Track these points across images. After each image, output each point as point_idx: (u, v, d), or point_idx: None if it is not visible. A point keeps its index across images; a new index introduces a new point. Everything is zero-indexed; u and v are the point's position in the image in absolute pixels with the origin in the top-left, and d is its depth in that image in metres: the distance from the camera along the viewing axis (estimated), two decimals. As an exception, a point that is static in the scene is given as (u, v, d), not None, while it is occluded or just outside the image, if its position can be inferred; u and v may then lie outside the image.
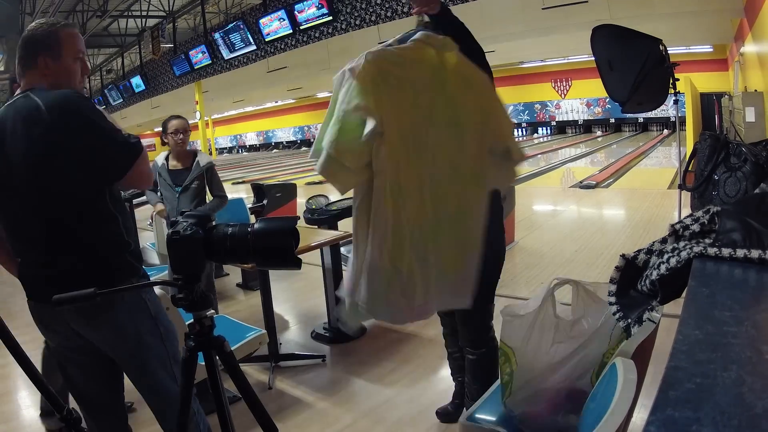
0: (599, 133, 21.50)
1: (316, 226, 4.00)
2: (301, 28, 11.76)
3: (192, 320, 1.29)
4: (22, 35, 1.58)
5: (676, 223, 1.07)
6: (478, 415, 1.72)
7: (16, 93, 1.57)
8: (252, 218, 5.06)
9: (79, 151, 1.45)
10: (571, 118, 22.20)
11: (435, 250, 1.39)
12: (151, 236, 5.48)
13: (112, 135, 1.50)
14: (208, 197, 3.59)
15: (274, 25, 12.26)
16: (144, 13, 17.20)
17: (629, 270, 1.12)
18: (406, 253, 1.35)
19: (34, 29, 1.56)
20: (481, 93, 1.44)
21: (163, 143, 3.56)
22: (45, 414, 2.53)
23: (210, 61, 14.87)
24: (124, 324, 1.56)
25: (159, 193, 3.58)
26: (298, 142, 31.38)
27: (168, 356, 1.65)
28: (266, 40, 12.65)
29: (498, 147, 1.44)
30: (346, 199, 4.47)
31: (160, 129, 3.57)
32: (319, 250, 3.31)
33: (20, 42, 1.57)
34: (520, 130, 23.72)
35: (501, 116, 1.49)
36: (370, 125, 1.24)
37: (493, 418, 1.70)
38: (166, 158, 3.55)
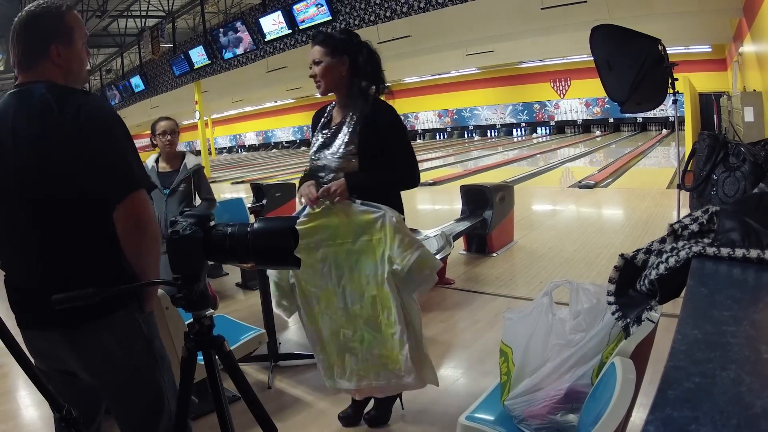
0: (598, 133, 21.50)
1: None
2: (301, 27, 11.76)
3: (191, 320, 1.29)
4: (21, 19, 1.39)
5: (675, 223, 1.07)
6: (476, 415, 1.72)
7: (18, 83, 1.41)
8: (251, 218, 5.06)
9: (87, 167, 1.33)
10: (570, 118, 22.20)
11: (361, 347, 2.07)
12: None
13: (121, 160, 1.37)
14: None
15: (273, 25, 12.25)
16: (143, 13, 17.19)
17: (628, 269, 1.12)
18: (333, 352, 2.12)
19: (38, 13, 1.39)
20: (376, 233, 1.97)
21: (153, 145, 3.51)
22: None
23: (209, 61, 14.86)
24: (113, 348, 1.40)
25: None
26: (298, 142, 31.36)
27: (165, 387, 1.49)
28: (266, 40, 12.65)
29: (402, 269, 1.94)
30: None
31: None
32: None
33: (21, 28, 1.39)
34: (518, 129, 23.75)
35: (399, 243, 1.94)
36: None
37: (491, 418, 1.70)
38: (156, 160, 3.52)
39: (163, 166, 3.47)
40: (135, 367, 1.44)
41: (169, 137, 3.41)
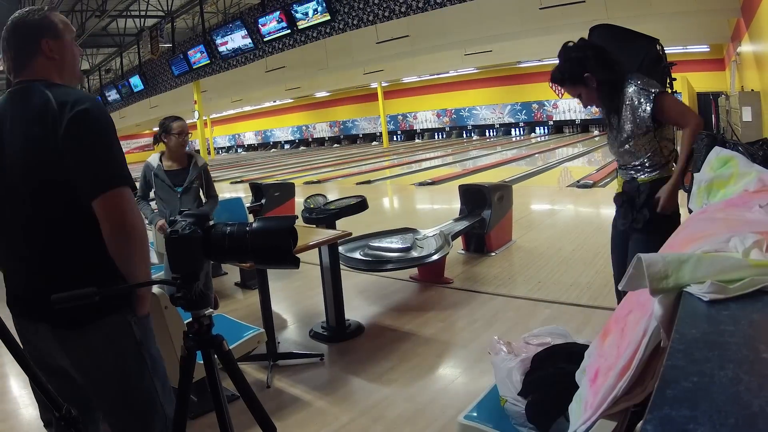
0: (596, 132, 21.49)
1: (315, 225, 4.00)
2: (299, 27, 11.76)
3: (191, 319, 1.29)
4: (7, 26, 1.44)
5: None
6: (475, 414, 1.72)
7: (15, 83, 1.43)
8: (250, 217, 5.06)
9: (77, 158, 1.33)
10: (568, 118, 22.23)
11: None
12: (149, 235, 5.46)
13: (108, 157, 1.38)
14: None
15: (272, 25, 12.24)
16: (143, 13, 17.15)
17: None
18: None
19: (22, 16, 1.45)
20: None
21: (161, 142, 3.51)
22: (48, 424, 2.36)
23: (208, 61, 14.86)
24: (102, 349, 1.39)
25: (152, 205, 3.54)
26: (297, 141, 31.38)
27: (156, 392, 1.46)
28: (265, 39, 12.65)
29: None
30: (344, 198, 4.47)
31: (157, 129, 3.55)
32: (317, 249, 3.32)
33: (9, 33, 1.44)
34: (517, 129, 23.76)
35: None
36: None
37: (490, 418, 1.70)
38: (160, 159, 3.52)
39: (169, 165, 3.47)
40: (124, 371, 1.43)
41: (185, 137, 3.46)
